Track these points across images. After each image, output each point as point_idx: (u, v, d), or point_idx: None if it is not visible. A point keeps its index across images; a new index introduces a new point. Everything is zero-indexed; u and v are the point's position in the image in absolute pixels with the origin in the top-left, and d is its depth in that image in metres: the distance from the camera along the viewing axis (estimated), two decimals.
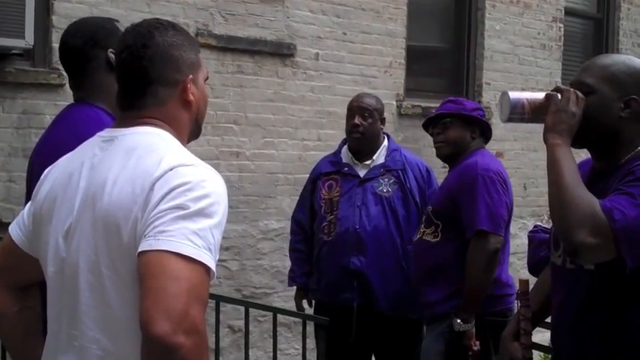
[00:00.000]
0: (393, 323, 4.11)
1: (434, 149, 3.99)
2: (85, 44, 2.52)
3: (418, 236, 3.81)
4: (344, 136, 4.64)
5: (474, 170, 3.66)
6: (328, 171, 4.35)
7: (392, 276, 4.10)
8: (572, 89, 2.31)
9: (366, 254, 4.11)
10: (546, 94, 2.32)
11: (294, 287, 4.57)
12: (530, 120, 2.36)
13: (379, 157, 4.26)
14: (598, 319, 2.26)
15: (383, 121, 4.32)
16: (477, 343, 3.60)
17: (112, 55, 2.38)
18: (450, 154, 3.87)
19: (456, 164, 3.83)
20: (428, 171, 4.28)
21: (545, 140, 2.28)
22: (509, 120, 2.38)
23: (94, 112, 2.46)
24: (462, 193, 3.65)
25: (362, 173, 4.25)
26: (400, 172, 4.19)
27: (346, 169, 4.28)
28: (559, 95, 2.29)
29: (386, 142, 4.31)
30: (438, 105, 3.99)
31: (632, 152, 2.32)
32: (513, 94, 2.36)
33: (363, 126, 4.19)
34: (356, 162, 4.28)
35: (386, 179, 4.19)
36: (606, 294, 2.24)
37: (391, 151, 4.28)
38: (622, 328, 2.24)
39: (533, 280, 2.73)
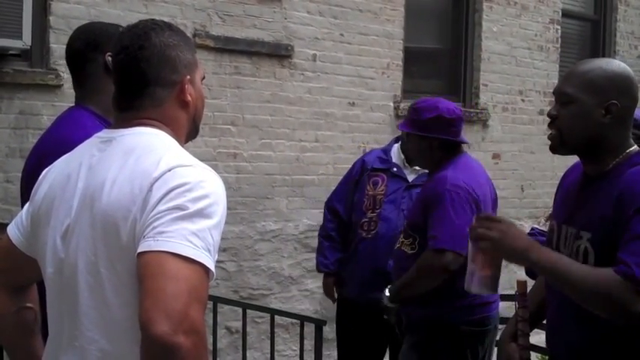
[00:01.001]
0: None
1: None
2: (85, 47, 2.59)
3: (397, 246, 3.77)
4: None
5: (442, 185, 3.55)
6: (376, 167, 4.34)
7: None
8: (475, 227, 2.35)
9: None
10: (480, 249, 2.35)
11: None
12: (499, 269, 2.40)
13: None
14: (595, 323, 2.25)
15: None
16: None
17: (110, 59, 2.40)
18: (419, 165, 3.86)
19: (430, 175, 3.76)
20: None
21: (521, 263, 2.33)
22: (495, 290, 2.44)
23: (81, 116, 2.52)
24: (430, 207, 3.56)
25: (410, 178, 4.26)
26: None
27: (395, 169, 4.28)
28: (481, 241, 2.32)
29: None
30: None
31: (620, 156, 2.33)
32: (474, 284, 2.40)
33: None
34: (406, 165, 4.27)
35: None
36: None
37: None
38: (620, 333, 2.24)
39: (530, 283, 2.74)
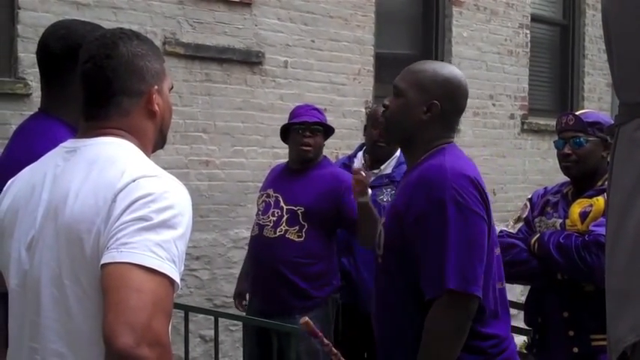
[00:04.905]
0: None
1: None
2: (62, 52, 2.37)
3: (279, 234, 4.15)
4: None
5: (343, 175, 4.21)
6: None
7: None
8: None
9: (356, 256, 4.39)
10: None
11: None
12: None
13: (387, 167, 4.51)
14: (386, 305, 2.58)
15: None
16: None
17: None
18: (313, 159, 4.27)
19: (314, 168, 4.25)
20: None
21: None
22: None
23: (52, 127, 2.35)
24: (340, 196, 4.11)
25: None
26: None
27: None
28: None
29: (397, 153, 4.52)
30: None
31: (426, 154, 2.55)
32: None
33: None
34: (367, 168, 4.54)
35: (389, 189, 4.43)
36: (389, 284, 2.56)
37: (400, 163, 4.49)
38: (401, 313, 2.51)
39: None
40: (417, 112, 2.55)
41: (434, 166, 2.46)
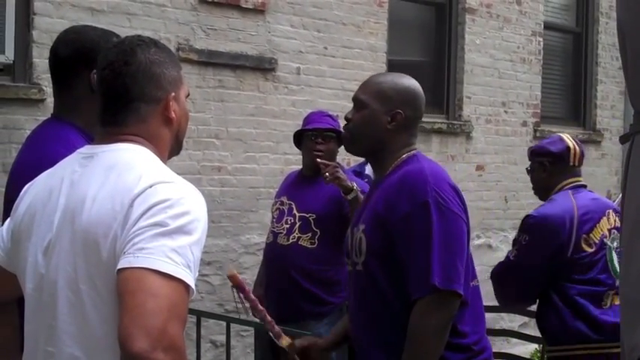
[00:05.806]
0: None
1: None
2: (72, 58, 2.42)
3: (292, 241, 4.19)
4: None
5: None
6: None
7: None
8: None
9: None
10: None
11: None
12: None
13: None
14: (368, 309, 2.58)
15: None
16: None
17: (95, 77, 2.34)
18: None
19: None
20: None
21: None
22: None
23: (64, 131, 2.39)
24: (343, 199, 4.01)
25: None
26: None
27: (366, 180, 4.53)
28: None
29: None
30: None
31: (397, 160, 2.59)
32: None
33: None
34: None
35: None
36: (372, 289, 2.55)
37: None
38: (385, 317, 2.52)
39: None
40: (382, 121, 2.60)
41: (414, 171, 2.53)
